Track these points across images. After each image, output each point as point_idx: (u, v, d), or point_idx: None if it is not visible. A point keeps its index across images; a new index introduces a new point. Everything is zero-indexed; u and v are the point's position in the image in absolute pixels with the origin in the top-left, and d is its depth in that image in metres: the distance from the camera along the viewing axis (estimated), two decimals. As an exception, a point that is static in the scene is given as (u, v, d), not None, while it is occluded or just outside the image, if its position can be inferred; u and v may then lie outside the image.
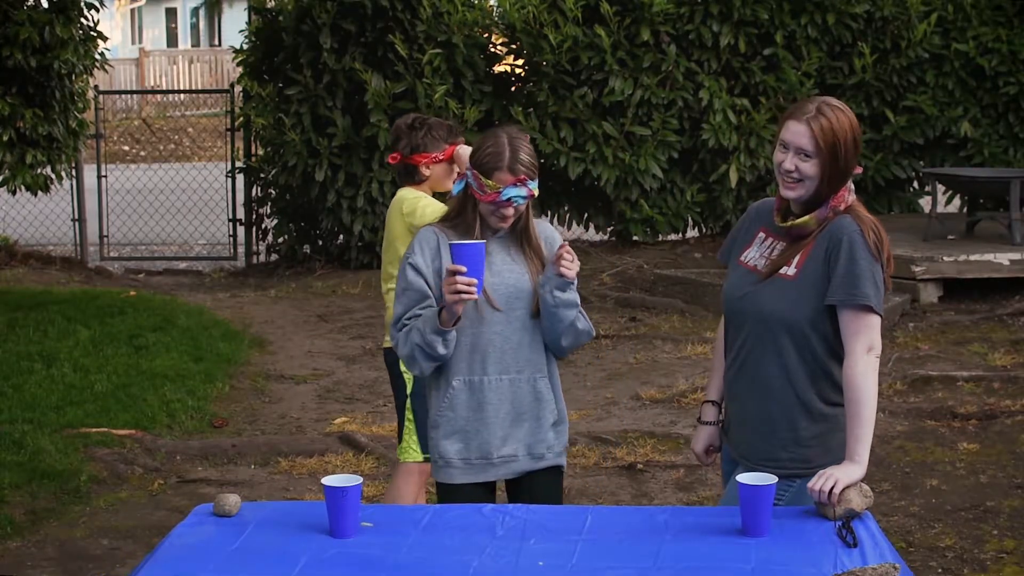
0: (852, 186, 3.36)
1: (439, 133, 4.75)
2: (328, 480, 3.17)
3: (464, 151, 4.60)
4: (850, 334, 3.26)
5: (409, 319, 3.60)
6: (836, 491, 3.13)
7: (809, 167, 3.31)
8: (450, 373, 3.63)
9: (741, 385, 3.46)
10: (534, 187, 3.60)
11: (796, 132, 3.31)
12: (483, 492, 3.67)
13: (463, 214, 3.67)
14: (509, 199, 3.56)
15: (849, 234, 3.27)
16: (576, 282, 3.61)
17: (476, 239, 3.58)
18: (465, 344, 3.61)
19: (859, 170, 3.52)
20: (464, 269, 3.42)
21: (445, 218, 3.74)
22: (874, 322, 3.27)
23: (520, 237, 3.67)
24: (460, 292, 3.43)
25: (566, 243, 3.60)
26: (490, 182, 3.56)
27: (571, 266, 3.55)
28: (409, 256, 3.66)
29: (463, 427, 3.63)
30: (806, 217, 3.34)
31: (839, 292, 3.26)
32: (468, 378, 3.62)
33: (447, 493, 3.70)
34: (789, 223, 3.38)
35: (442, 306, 3.52)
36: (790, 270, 3.34)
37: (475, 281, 3.43)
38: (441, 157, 4.75)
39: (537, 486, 3.70)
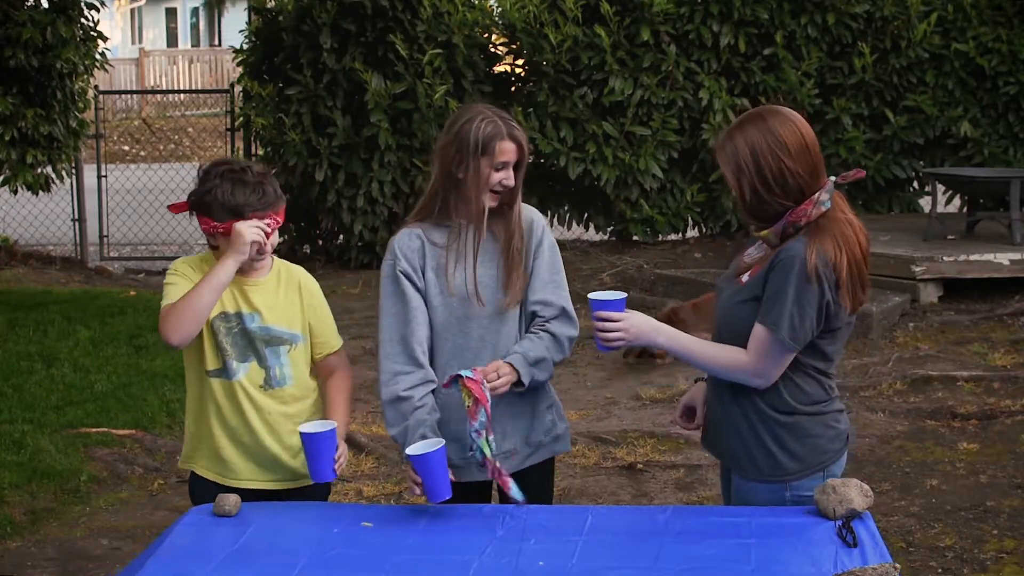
0: (823, 197, 3.21)
1: (241, 196, 3.51)
2: (304, 427, 3.36)
3: (242, 229, 3.46)
4: (751, 349, 3.22)
5: (410, 393, 3.45)
6: (617, 343, 3.27)
7: (734, 188, 3.29)
8: (440, 375, 3.52)
9: (710, 385, 3.46)
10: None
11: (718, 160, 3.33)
12: (478, 492, 3.60)
13: (438, 202, 3.54)
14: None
15: (788, 258, 3.17)
16: (527, 373, 3.47)
17: (477, 229, 3.50)
18: (455, 344, 3.53)
19: (861, 174, 3.48)
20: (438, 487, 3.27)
21: (420, 211, 3.60)
22: (775, 353, 3.19)
23: (503, 223, 3.54)
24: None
25: (493, 368, 3.42)
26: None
27: (497, 384, 3.41)
28: (396, 263, 3.53)
29: (460, 428, 3.51)
30: (765, 231, 3.29)
31: (761, 309, 3.21)
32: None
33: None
34: (756, 234, 3.36)
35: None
36: (745, 277, 3.32)
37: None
38: (221, 229, 3.52)
39: (528, 480, 3.60)
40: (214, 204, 3.49)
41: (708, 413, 3.47)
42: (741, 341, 3.25)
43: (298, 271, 3.71)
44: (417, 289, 3.52)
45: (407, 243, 3.54)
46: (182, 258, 3.65)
